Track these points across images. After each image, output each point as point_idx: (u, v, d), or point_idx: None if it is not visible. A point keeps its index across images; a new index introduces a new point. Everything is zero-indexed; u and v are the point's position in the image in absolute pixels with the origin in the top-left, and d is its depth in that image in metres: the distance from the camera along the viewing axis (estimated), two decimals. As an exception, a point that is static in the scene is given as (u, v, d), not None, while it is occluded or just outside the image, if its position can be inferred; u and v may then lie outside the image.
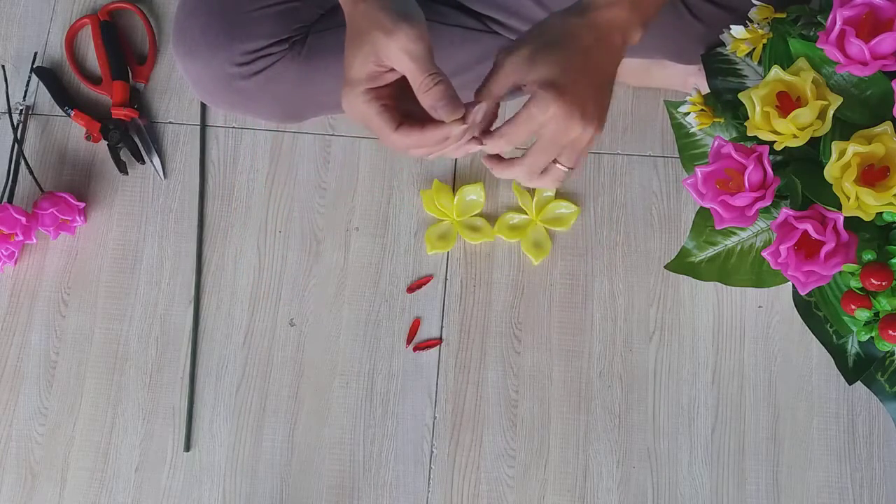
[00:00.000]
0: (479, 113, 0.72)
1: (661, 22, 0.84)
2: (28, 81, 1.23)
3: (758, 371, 1.09)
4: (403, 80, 0.72)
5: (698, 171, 0.83)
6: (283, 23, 0.95)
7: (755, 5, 0.88)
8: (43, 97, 1.22)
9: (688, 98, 0.92)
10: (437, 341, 1.11)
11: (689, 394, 1.09)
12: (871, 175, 0.76)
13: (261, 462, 1.08)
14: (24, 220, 1.11)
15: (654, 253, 1.14)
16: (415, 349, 1.11)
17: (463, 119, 0.71)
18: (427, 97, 0.70)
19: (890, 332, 0.75)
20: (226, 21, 0.93)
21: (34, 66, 1.23)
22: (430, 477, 1.07)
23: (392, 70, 0.71)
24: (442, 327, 1.12)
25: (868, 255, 0.76)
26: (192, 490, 1.08)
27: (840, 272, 0.77)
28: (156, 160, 1.19)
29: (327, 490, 1.07)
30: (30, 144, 1.21)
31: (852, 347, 0.88)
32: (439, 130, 0.71)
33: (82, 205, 1.16)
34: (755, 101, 0.79)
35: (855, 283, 0.77)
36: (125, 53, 1.23)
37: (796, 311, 0.91)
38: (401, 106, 0.73)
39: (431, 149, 0.73)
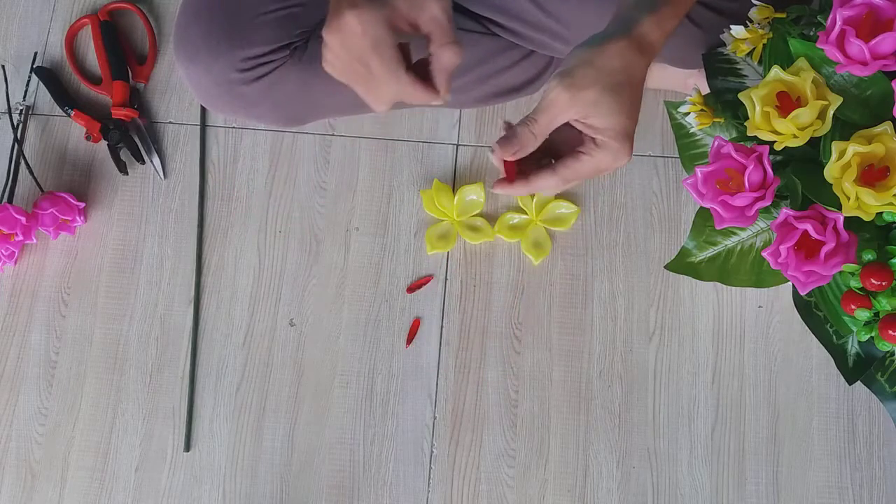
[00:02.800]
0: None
1: None
2: (28, 81, 1.23)
3: (758, 371, 1.09)
4: None
5: (698, 171, 0.82)
6: (284, 29, 0.95)
7: (755, 5, 0.88)
8: (43, 97, 1.22)
9: (688, 98, 0.91)
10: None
11: (689, 394, 1.09)
12: (871, 175, 0.76)
13: (261, 462, 1.08)
14: (24, 220, 1.11)
15: (654, 253, 1.14)
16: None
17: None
18: (451, 49, 0.70)
19: (890, 332, 0.75)
20: (227, 27, 0.93)
21: (34, 66, 1.23)
22: (430, 477, 1.07)
23: (407, 21, 0.71)
24: (442, 327, 1.12)
25: (868, 255, 0.76)
26: (192, 490, 1.08)
27: (840, 272, 0.77)
28: (156, 160, 1.19)
29: (327, 490, 1.07)
30: (30, 144, 1.21)
31: (852, 347, 0.88)
32: (431, 94, 0.72)
33: (82, 205, 1.16)
34: (755, 101, 0.79)
35: (855, 283, 0.77)
36: (125, 53, 1.23)
37: (796, 311, 0.91)
38: None
39: (414, 103, 0.74)
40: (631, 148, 0.71)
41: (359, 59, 0.71)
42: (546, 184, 0.72)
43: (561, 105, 0.69)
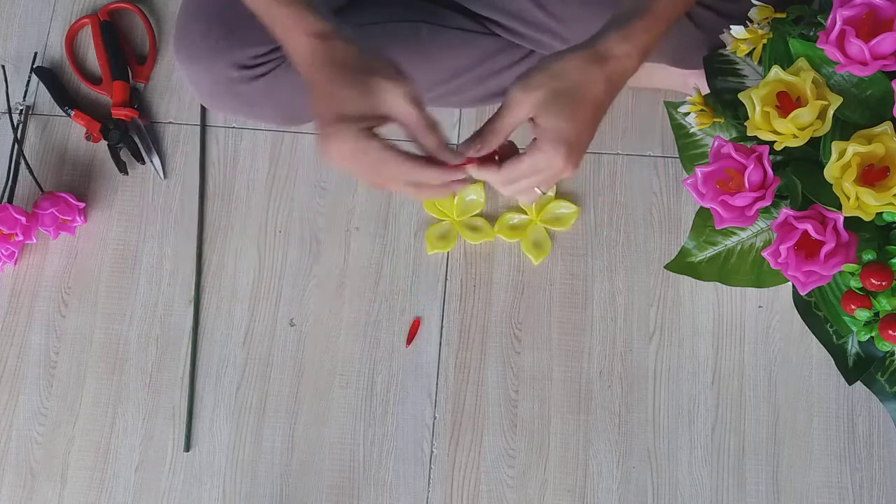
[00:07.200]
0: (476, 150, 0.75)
1: None
2: (28, 81, 1.23)
3: (758, 371, 1.09)
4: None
5: (698, 171, 0.83)
6: None
7: (755, 5, 0.88)
8: (43, 97, 1.22)
9: (688, 98, 0.92)
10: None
11: (689, 394, 1.09)
12: (871, 175, 0.76)
13: (261, 462, 1.08)
14: (24, 220, 1.11)
15: (654, 253, 1.14)
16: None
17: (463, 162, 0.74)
18: (431, 138, 0.72)
19: (890, 332, 0.75)
20: (226, 27, 0.93)
21: (34, 66, 1.23)
22: (430, 477, 1.07)
23: (378, 117, 0.72)
24: (442, 327, 1.12)
25: (868, 255, 0.76)
26: (192, 490, 1.08)
27: (840, 272, 0.77)
28: (156, 160, 1.19)
29: (327, 490, 1.07)
30: (30, 144, 1.21)
31: (852, 347, 0.88)
32: (450, 173, 0.74)
33: (82, 205, 1.16)
34: (755, 101, 0.79)
35: (855, 283, 0.77)
36: (125, 53, 1.23)
37: (796, 311, 0.91)
38: None
39: (437, 189, 0.75)
40: (569, 156, 0.73)
41: (346, 165, 0.74)
42: (490, 177, 0.76)
43: (514, 103, 0.72)
